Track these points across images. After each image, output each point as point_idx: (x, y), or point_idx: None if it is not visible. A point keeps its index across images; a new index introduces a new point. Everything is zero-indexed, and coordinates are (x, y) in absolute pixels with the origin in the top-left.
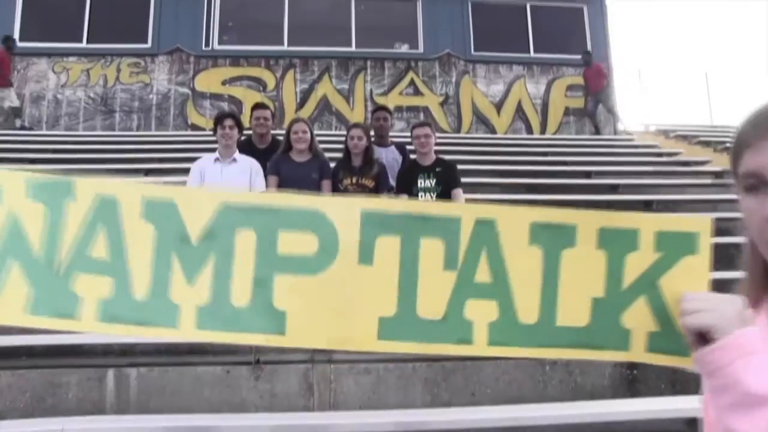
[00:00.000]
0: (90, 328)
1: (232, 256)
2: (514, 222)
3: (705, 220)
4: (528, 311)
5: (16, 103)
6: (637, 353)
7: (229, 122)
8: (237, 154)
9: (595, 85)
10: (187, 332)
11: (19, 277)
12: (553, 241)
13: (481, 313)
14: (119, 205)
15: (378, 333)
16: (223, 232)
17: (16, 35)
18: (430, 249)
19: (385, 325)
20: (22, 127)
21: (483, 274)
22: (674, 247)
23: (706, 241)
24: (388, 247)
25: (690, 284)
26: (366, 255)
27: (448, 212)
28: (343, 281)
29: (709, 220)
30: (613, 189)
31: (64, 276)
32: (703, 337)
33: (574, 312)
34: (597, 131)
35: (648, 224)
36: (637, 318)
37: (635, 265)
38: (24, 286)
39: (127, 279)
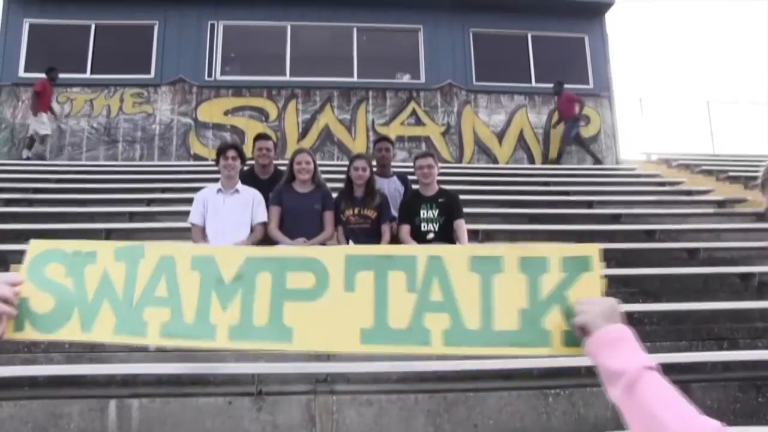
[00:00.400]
0: (154, 342)
1: (254, 290)
2: (457, 256)
3: (593, 246)
4: (472, 320)
5: (47, 131)
6: (557, 348)
7: (231, 153)
8: (239, 185)
9: (568, 111)
10: (221, 343)
11: (108, 310)
12: (486, 268)
13: (436, 322)
14: (175, 262)
15: (360, 339)
16: (247, 275)
17: (21, 66)
18: (396, 278)
19: (365, 334)
20: (28, 158)
21: (436, 294)
22: (575, 267)
23: (597, 261)
24: (365, 278)
25: (587, 293)
26: (349, 285)
27: (407, 252)
28: (334, 304)
29: (596, 246)
30: (615, 219)
31: (137, 308)
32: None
33: (506, 319)
34: (596, 160)
35: (555, 252)
36: (554, 321)
37: (548, 282)
38: (112, 316)
39: (180, 308)
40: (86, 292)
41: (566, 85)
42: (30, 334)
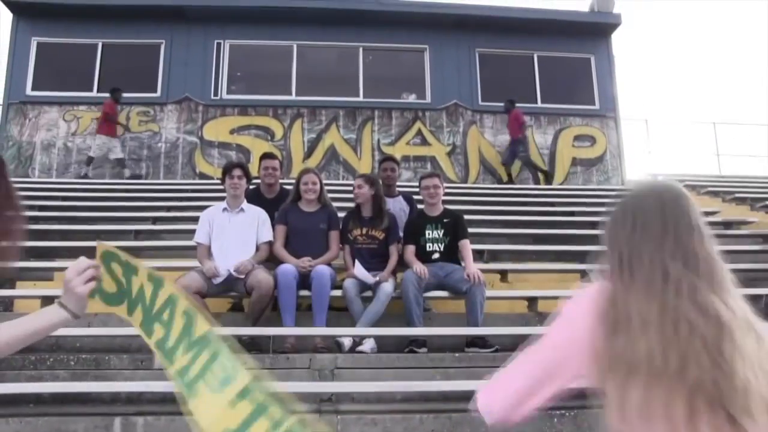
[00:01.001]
0: (152, 346)
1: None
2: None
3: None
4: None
5: (119, 154)
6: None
7: (237, 172)
8: (245, 204)
9: (513, 131)
10: (170, 375)
11: (140, 310)
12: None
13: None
14: (177, 303)
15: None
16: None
17: (29, 84)
18: None
19: None
20: (132, 176)
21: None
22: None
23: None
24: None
25: None
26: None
27: None
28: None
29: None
30: None
31: (152, 318)
32: None
33: None
34: (510, 180)
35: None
36: None
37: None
38: (141, 315)
39: (169, 335)
40: (132, 290)
41: (576, 106)
42: (96, 304)
